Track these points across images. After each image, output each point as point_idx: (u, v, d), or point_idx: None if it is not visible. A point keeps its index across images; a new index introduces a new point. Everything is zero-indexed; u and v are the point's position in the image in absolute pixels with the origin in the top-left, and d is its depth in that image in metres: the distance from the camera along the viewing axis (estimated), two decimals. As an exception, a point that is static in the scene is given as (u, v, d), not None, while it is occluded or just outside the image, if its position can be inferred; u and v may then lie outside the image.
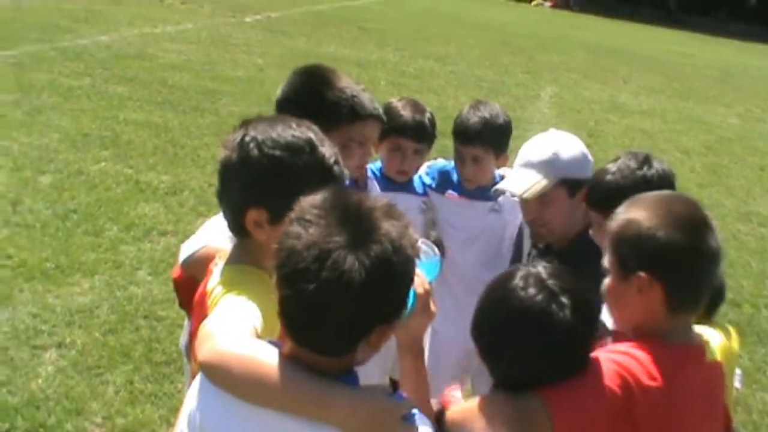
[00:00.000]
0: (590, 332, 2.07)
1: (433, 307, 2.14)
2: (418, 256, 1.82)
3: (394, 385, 4.07)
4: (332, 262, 1.66)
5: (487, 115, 3.77)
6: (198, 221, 7.04)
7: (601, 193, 2.95)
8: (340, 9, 26.85)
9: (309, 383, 1.76)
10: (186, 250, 2.80)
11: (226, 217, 2.34)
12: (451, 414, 2.17)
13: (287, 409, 1.76)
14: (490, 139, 3.75)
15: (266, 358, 1.79)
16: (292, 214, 1.77)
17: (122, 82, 12.34)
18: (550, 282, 2.06)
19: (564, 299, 2.02)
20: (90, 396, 4.69)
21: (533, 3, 45.50)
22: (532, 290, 2.05)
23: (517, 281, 2.09)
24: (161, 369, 5.04)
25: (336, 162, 2.20)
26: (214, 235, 2.75)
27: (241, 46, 17.25)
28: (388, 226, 1.73)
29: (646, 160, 2.97)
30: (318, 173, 2.12)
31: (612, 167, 2.99)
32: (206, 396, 1.90)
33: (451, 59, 19.83)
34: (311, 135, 2.19)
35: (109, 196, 7.77)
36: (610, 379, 1.99)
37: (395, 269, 1.72)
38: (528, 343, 2.03)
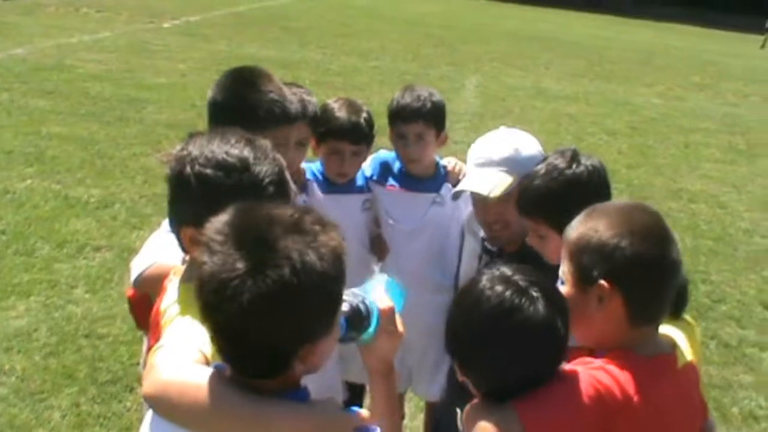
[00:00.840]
0: (565, 323, 2.01)
1: (400, 327, 2.07)
2: (338, 263, 1.71)
3: (356, 390, 4.09)
4: (231, 293, 1.62)
5: (424, 93, 3.76)
6: (132, 234, 6.93)
7: (532, 199, 2.87)
8: (260, 9, 26.69)
9: (249, 404, 1.73)
10: (135, 269, 2.73)
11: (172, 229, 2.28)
12: None
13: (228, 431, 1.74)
14: (430, 114, 3.72)
15: (206, 383, 1.75)
16: (202, 239, 1.72)
17: (42, 95, 12.05)
18: (516, 277, 2.02)
19: (533, 292, 1.98)
20: (35, 423, 4.54)
21: (451, -7, 45.69)
22: (499, 288, 2.00)
23: (484, 283, 2.04)
24: (107, 388, 4.90)
25: (274, 181, 2.11)
26: (162, 250, 2.68)
27: (162, 52, 17.00)
28: (289, 245, 1.65)
29: (574, 158, 2.86)
30: (251, 192, 2.02)
31: (540, 169, 2.89)
32: (156, 428, 1.88)
33: (374, 54, 19.84)
34: (247, 153, 2.10)
35: (38, 213, 7.56)
36: (585, 393, 1.95)
37: (298, 289, 1.64)
38: (506, 344, 1.97)
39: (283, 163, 2.21)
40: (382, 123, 3.90)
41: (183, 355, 1.86)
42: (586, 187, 2.81)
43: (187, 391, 1.76)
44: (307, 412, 1.74)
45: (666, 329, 2.25)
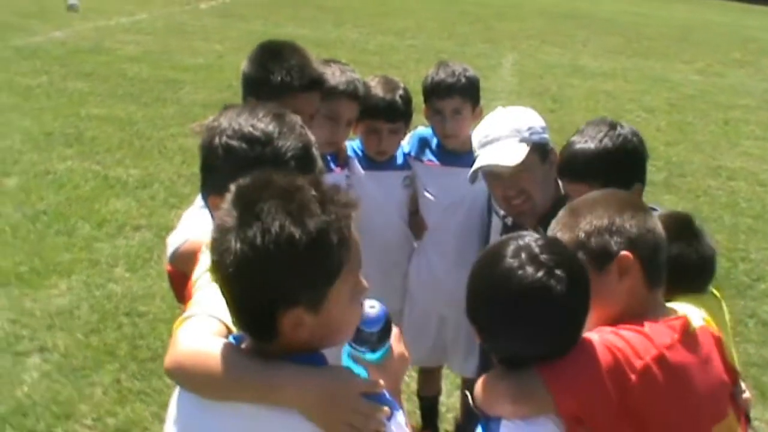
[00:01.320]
0: (586, 302, 2.06)
1: (406, 352, 2.07)
2: (325, 238, 1.70)
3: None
4: (219, 246, 1.72)
5: (459, 68, 3.77)
6: (171, 213, 7.00)
7: (586, 161, 2.89)
8: (295, -11, 26.66)
9: (256, 369, 1.77)
10: (171, 246, 2.79)
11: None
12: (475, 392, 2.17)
13: (241, 398, 1.77)
14: (466, 89, 3.74)
15: (217, 352, 1.81)
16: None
17: (81, 77, 12.17)
18: (544, 257, 2.02)
19: (560, 272, 2.00)
20: (78, 399, 4.63)
21: (487, -29, 45.31)
22: (529, 269, 2.00)
23: (511, 260, 2.04)
24: (147, 365, 4.98)
25: (297, 156, 2.17)
26: (195, 226, 2.73)
27: (198, 33, 17.08)
28: (266, 208, 1.69)
29: (614, 124, 2.95)
30: (273, 165, 2.05)
31: (585, 135, 2.94)
32: (181, 400, 1.92)
33: (410, 33, 19.77)
34: (272, 128, 2.18)
35: (78, 194, 7.67)
36: (603, 358, 2.00)
37: (266, 252, 1.67)
38: (529, 322, 2.02)
39: (311, 138, 2.26)
40: (418, 101, 3.91)
41: (203, 327, 1.91)
42: (635, 148, 2.95)
43: (201, 361, 1.81)
44: (313, 375, 1.78)
45: (681, 306, 2.29)
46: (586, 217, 2.23)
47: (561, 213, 2.32)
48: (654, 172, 9.91)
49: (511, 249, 2.06)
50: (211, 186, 2.23)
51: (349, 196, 1.80)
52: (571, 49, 19.88)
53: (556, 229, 2.28)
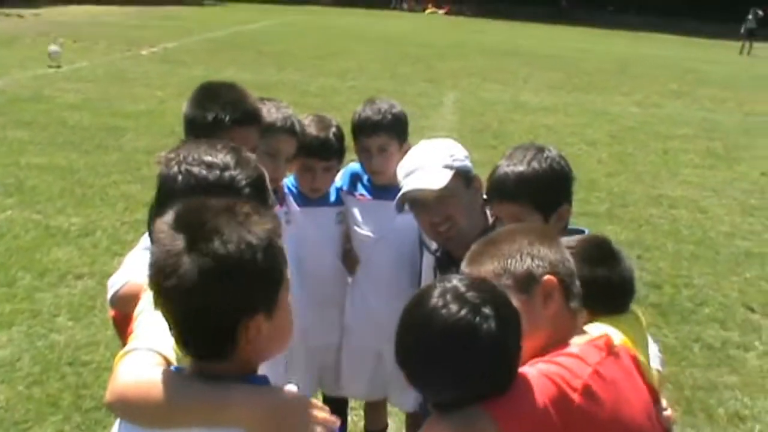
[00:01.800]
0: (517, 338, 2.00)
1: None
2: (272, 243, 1.80)
3: (338, 403, 4.09)
4: (170, 270, 1.72)
5: (384, 105, 3.79)
6: (114, 261, 6.90)
7: (516, 182, 2.90)
8: (236, 34, 26.77)
9: (201, 390, 1.79)
10: (111, 289, 2.77)
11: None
12: None
13: (186, 423, 1.78)
14: (392, 126, 3.76)
15: (160, 380, 1.82)
16: (153, 234, 1.85)
17: (20, 126, 12.04)
18: (470, 294, 1.97)
19: (487, 310, 1.94)
20: (20, 452, 4.53)
21: (427, 12, 45.93)
22: (453, 307, 1.94)
23: (436, 300, 1.97)
24: (92, 415, 4.87)
25: (252, 184, 2.24)
26: (135, 268, 2.72)
27: (140, 79, 17.02)
28: (220, 223, 1.76)
29: (540, 147, 3.00)
30: (228, 192, 2.14)
31: (509, 161, 2.96)
32: None
33: (351, 75, 19.90)
34: (230, 158, 2.25)
35: (19, 244, 7.55)
36: (544, 387, 1.96)
37: (230, 261, 1.73)
38: (458, 363, 1.93)
39: (265, 173, 2.34)
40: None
41: (143, 359, 1.91)
42: (562, 169, 2.96)
43: (143, 390, 1.81)
44: (260, 392, 1.81)
45: (599, 327, 2.32)
46: (507, 245, 2.22)
47: (478, 245, 2.29)
48: (596, 203, 10.05)
49: (437, 291, 2.00)
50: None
51: (267, 211, 1.90)
52: (513, 85, 20.17)
53: (477, 260, 2.24)
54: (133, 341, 2.02)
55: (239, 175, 2.23)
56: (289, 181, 3.87)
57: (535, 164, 2.91)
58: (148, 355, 1.93)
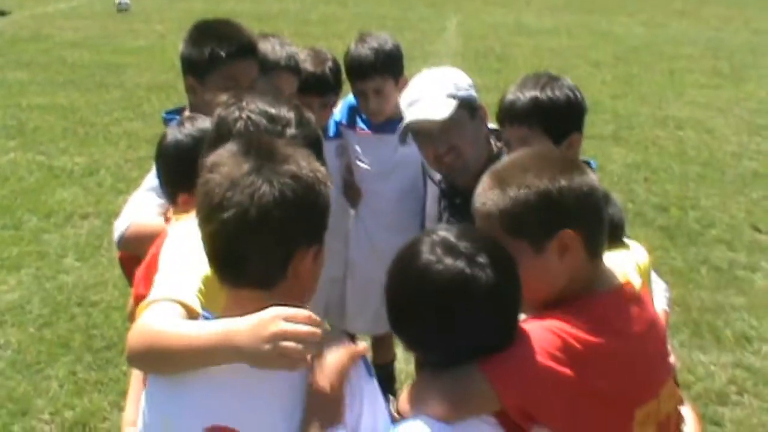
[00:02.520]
0: (516, 287, 1.89)
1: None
2: (325, 183, 1.82)
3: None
4: (243, 186, 1.73)
5: (375, 44, 3.70)
6: (119, 199, 6.90)
7: (522, 105, 2.87)
8: (235, -36, 26.34)
9: (208, 327, 1.77)
10: (116, 231, 2.80)
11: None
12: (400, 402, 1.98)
13: (200, 363, 1.76)
14: (385, 66, 3.69)
15: (169, 326, 1.83)
16: (205, 168, 1.81)
17: (20, 67, 11.96)
18: (462, 244, 1.86)
19: (481, 259, 1.83)
20: (34, 393, 4.56)
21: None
22: (448, 260, 1.84)
23: (427, 255, 1.86)
24: (103, 355, 4.92)
25: (311, 144, 2.17)
26: (138, 209, 2.79)
27: (139, 15, 16.86)
28: (291, 151, 1.81)
29: (552, 76, 2.97)
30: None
31: (521, 87, 2.93)
32: (150, 392, 1.93)
33: (353, 1, 19.65)
34: (292, 115, 2.24)
35: (24, 186, 7.55)
36: (547, 340, 1.86)
37: (303, 185, 1.76)
38: (460, 319, 1.84)
39: (321, 135, 2.35)
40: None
41: (165, 312, 1.91)
42: (576, 97, 2.92)
43: (152, 339, 1.83)
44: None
45: (614, 255, 2.21)
46: (515, 188, 1.97)
47: (486, 180, 2.06)
48: (601, 125, 9.97)
49: (425, 245, 1.89)
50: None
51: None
52: (515, 8, 19.92)
53: (482, 199, 2.03)
54: (155, 289, 2.02)
55: (300, 134, 2.20)
56: None
57: (548, 90, 2.89)
58: (170, 306, 1.92)
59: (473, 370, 1.84)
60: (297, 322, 1.70)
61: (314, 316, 1.74)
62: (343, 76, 3.80)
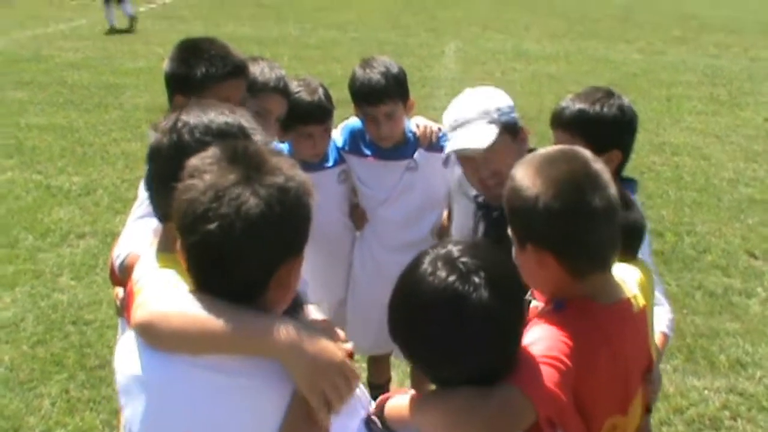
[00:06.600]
0: (512, 309, 1.86)
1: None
2: (310, 193, 1.79)
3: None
4: (229, 198, 1.67)
5: (383, 68, 3.69)
6: (116, 219, 6.93)
7: (568, 114, 3.05)
8: (236, -12, 26.48)
9: (251, 318, 1.74)
10: (116, 260, 2.76)
11: (153, 202, 2.22)
12: (390, 409, 1.99)
13: (231, 349, 1.73)
14: (396, 90, 3.68)
15: (207, 304, 1.76)
16: (186, 173, 1.75)
17: (20, 86, 12.01)
18: (463, 259, 1.83)
19: (477, 278, 1.79)
20: (26, 411, 4.56)
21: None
22: (441, 273, 1.82)
23: (426, 266, 1.86)
24: (96, 373, 4.92)
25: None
26: (136, 240, 2.73)
27: (139, 36, 16.90)
28: (276, 161, 1.77)
29: (610, 92, 3.11)
30: None
31: (576, 96, 3.12)
32: (147, 360, 1.84)
33: (352, 26, 19.74)
34: (243, 122, 2.14)
35: (21, 205, 7.57)
36: (558, 350, 1.88)
37: (291, 198, 1.73)
38: (446, 335, 1.81)
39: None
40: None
41: (173, 288, 1.86)
42: (624, 116, 3.05)
43: (180, 314, 1.76)
44: (305, 331, 1.75)
45: (618, 268, 2.18)
46: (519, 182, 2.02)
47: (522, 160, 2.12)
48: (598, 151, 9.97)
49: (429, 256, 1.89)
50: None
51: None
52: (514, 34, 19.98)
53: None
54: (145, 293, 1.93)
55: (259, 140, 2.14)
56: (283, 147, 3.82)
57: (597, 105, 3.04)
58: (174, 288, 1.86)
59: (506, 386, 1.82)
60: (351, 381, 1.77)
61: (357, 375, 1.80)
62: (335, 98, 3.81)
